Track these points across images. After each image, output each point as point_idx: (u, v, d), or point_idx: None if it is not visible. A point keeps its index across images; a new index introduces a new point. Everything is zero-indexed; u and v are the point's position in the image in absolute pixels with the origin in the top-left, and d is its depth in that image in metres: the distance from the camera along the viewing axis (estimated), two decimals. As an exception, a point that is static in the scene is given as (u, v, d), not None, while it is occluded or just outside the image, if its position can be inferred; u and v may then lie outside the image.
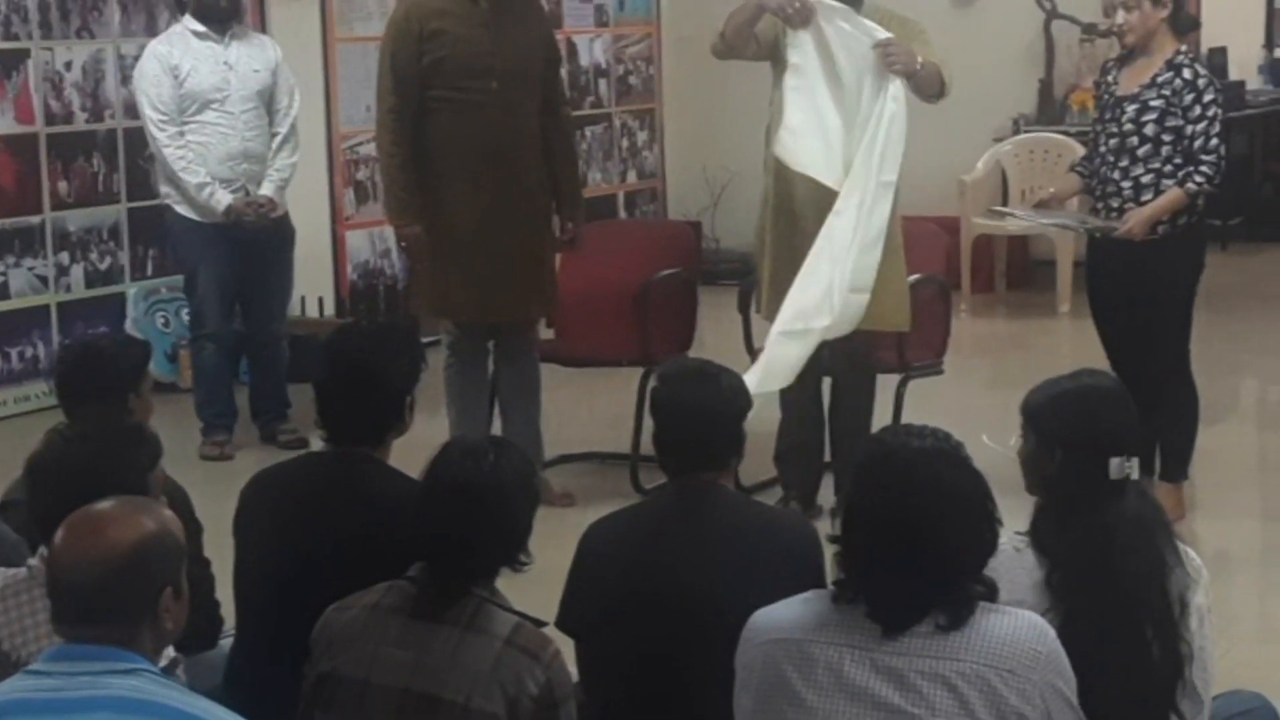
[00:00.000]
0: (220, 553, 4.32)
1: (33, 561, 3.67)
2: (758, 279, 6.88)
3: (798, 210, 6.61)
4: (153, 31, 9.22)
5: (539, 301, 7.19)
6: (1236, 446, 8.28)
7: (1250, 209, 13.36)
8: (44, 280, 9.06)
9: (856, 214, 6.28)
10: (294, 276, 8.46)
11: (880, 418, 6.67)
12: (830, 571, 3.43)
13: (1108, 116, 6.70)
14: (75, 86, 9.15)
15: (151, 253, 9.46)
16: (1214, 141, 6.53)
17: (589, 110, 12.06)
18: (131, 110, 9.19)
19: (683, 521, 3.96)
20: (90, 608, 2.97)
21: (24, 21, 8.91)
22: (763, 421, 5.94)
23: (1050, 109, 12.02)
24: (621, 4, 12.41)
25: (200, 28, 8.08)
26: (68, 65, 9.11)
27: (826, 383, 6.90)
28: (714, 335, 8.66)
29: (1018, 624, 3.23)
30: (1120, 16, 6.65)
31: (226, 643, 4.37)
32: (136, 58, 8.87)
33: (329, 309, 9.99)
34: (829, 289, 6.28)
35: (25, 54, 8.93)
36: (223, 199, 7.95)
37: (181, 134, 7.97)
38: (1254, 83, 13.67)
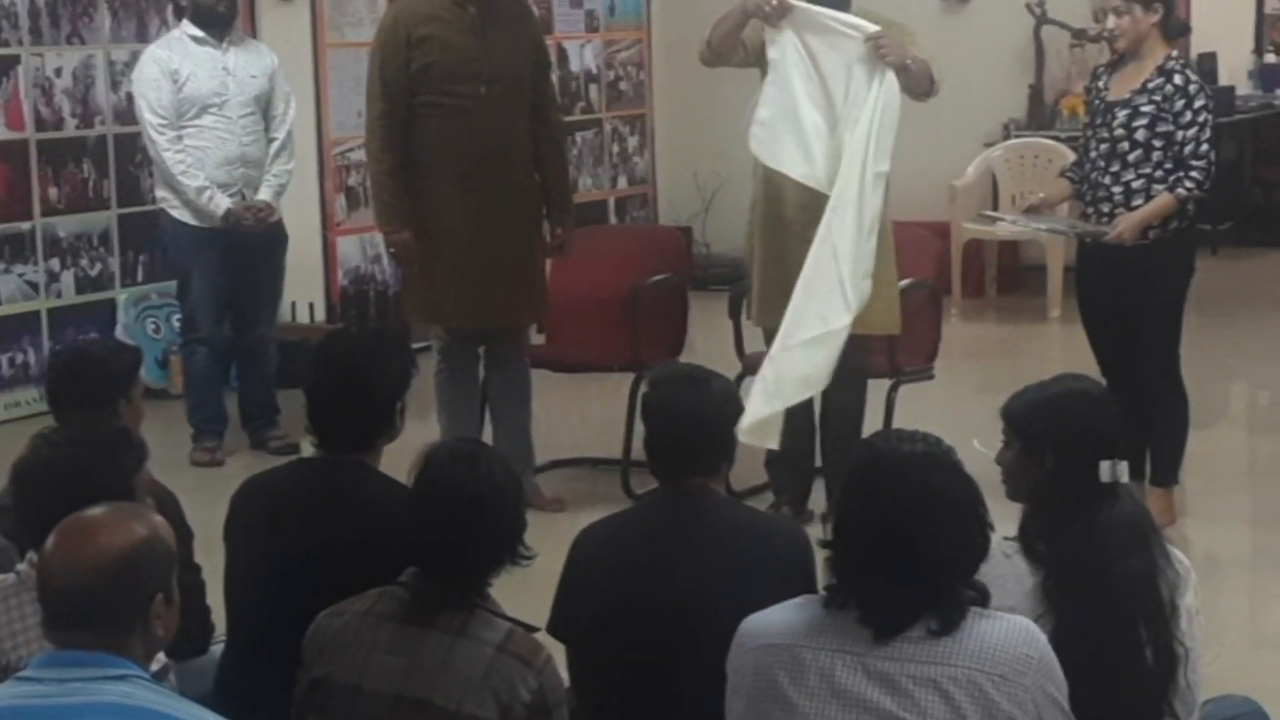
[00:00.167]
0: (211, 559, 4.31)
1: (21, 567, 3.67)
2: (748, 284, 6.89)
3: (787, 215, 6.61)
4: (143, 37, 9.23)
5: (530, 307, 7.19)
6: (1227, 451, 8.30)
7: (1240, 214, 13.41)
8: (34, 286, 9.06)
9: (856, 205, 6.27)
10: (284, 282, 8.46)
11: (871, 423, 6.66)
12: (822, 576, 3.44)
13: (1098, 122, 6.70)
14: (66, 92, 9.14)
15: (142, 259, 9.46)
16: (1204, 147, 6.53)
17: (579, 116, 12.06)
18: (122, 116, 9.21)
19: (674, 527, 3.95)
20: (81, 614, 2.97)
21: (14, 27, 8.90)
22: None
23: (1040, 114, 12.04)
24: (612, 9, 12.42)
25: (199, 33, 8.09)
26: (58, 71, 9.10)
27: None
28: (705, 340, 8.65)
29: (1009, 629, 3.23)
30: (1111, 21, 6.66)
31: (217, 649, 4.36)
32: (127, 64, 8.90)
33: (319, 315, 9.99)
34: (839, 285, 6.26)
35: (15, 60, 8.92)
36: (222, 203, 7.96)
37: (180, 138, 7.97)
38: (1243, 88, 13.71)
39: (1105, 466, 3.66)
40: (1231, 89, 13.12)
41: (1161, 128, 6.54)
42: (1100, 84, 6.77)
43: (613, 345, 7.51)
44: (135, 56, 8.87)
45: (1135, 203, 6.56)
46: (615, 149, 12.52)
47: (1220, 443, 8.25)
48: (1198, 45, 12.11)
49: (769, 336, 6.91)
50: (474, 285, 6.93)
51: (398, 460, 4.06)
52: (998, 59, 12.01)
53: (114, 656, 2.96)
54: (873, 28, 6.35)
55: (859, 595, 3.26)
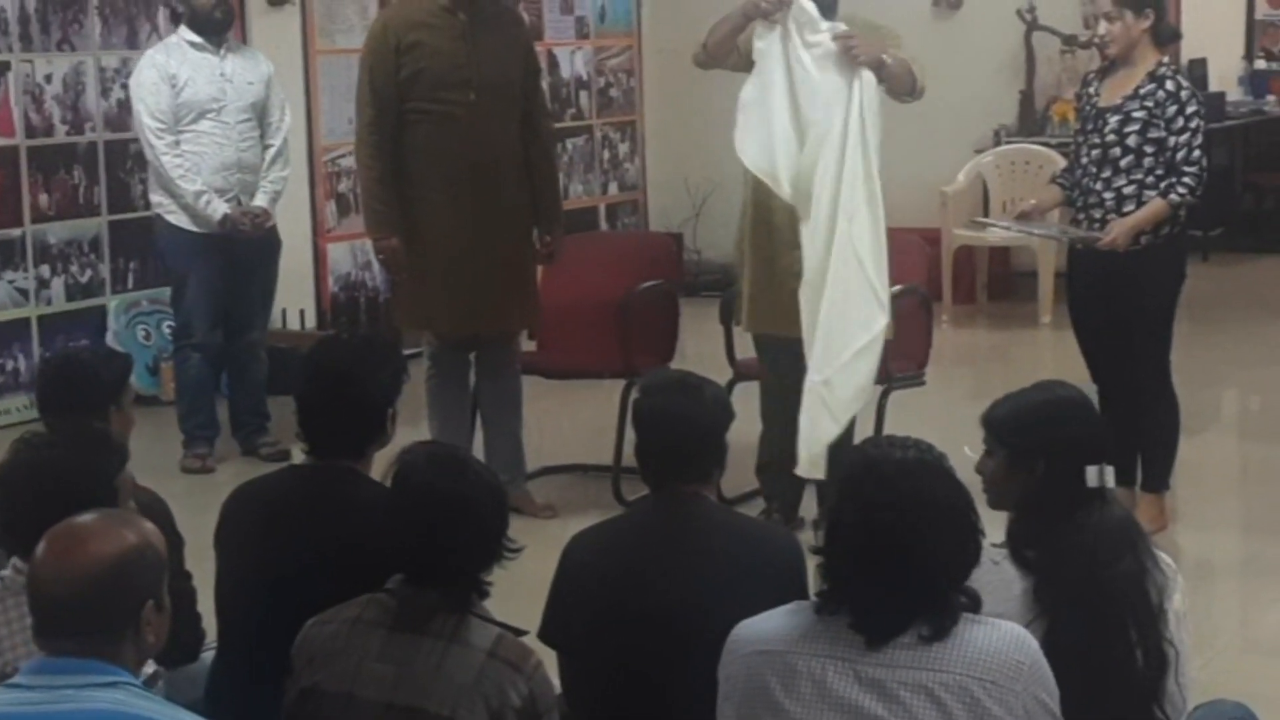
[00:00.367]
0: (202, 566, 4.30)
1: (4, 572, 3.66)
2: (739, 290, 6.88)
3: (776, 222, 6.61)
4: (134, 44, 9.23)
5: (520, 313, 7.19)
6: (1218, 457, 8.30)
7: (1231, 220, 13.43)
8: (24, 293, 9.04)
9: (869, 208, 6.28)
10: (277, 288, 8.46)
11: (862, 429, 6.66)
12: (813, 583, 3.43)
13: (1089, 128, 6.70)
14: (56, 99, 9.13)
15: (133, 265, 9.45)
16: (1196, 153, 6.54)
17: (570, 122, 12.06)
18: (112, 123, 9.21)
19: (665, 533, 3.95)
20: (72, 621, 2.96)
21: (4, 34, 8.89)
22: (744, 434, 5.93)
23: (1031, 120, 12.04)
24: (602, 16, 12.42)
25: (196, 39, 8.08)
26: (48, 78, 9.09)
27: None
28: (696, 347, 8.66)
29: (1000, 635, 3.23)
30: (1103, 27, 6.66)
31: (208, 656, 4.35)
32: (117, 70, 8.89)
33: (310, 321, 9.98)
34: (870, 289, 6.28)
35: (6, 66, 8.91)
36: (219, 208, 7.95)
37: (177, 143, 7.96)
38: (1234, 94, 13.72)
39: (1092, 472, 3.67)
40: (1222, 95, 13.14)
41: (1153, 133, 6.54)
42: (1091, 90, 6.78)
43: (604, 352, 7.50)
44: (126, 63, 8.87)
45: (1127, 209, 6.56)
46: (606, 155, 12.52)
47: (1211, 449, 8.26)
48: (1188, 51, 12.11)
49: (759, 342, 6.93)
50: (465, 291, 6.92)
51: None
52: (988, 65, 12.02)
53: (105, 663, 2.96)
54: (841, 28, 6.36)
55: (851, 601, 3.26)
